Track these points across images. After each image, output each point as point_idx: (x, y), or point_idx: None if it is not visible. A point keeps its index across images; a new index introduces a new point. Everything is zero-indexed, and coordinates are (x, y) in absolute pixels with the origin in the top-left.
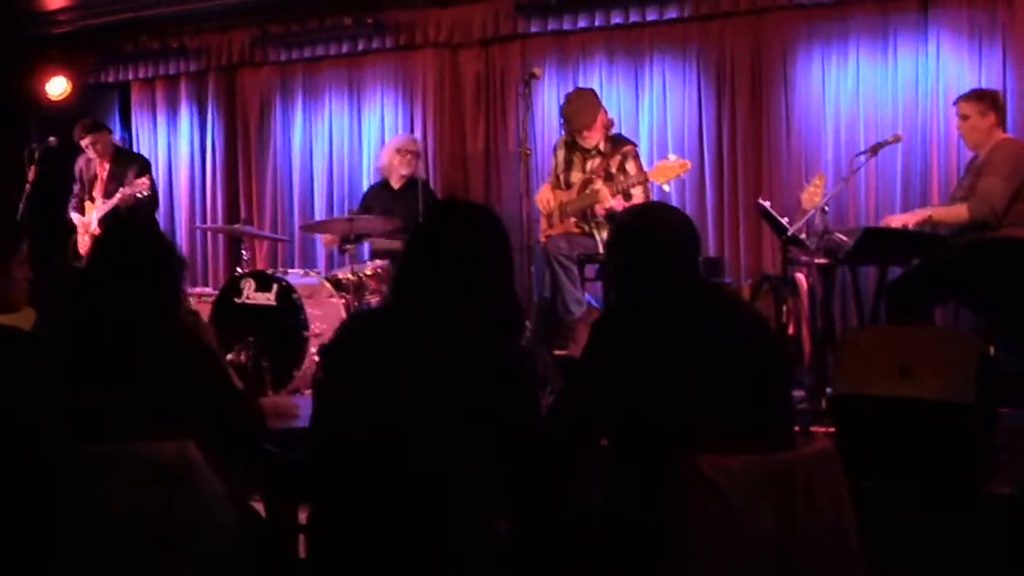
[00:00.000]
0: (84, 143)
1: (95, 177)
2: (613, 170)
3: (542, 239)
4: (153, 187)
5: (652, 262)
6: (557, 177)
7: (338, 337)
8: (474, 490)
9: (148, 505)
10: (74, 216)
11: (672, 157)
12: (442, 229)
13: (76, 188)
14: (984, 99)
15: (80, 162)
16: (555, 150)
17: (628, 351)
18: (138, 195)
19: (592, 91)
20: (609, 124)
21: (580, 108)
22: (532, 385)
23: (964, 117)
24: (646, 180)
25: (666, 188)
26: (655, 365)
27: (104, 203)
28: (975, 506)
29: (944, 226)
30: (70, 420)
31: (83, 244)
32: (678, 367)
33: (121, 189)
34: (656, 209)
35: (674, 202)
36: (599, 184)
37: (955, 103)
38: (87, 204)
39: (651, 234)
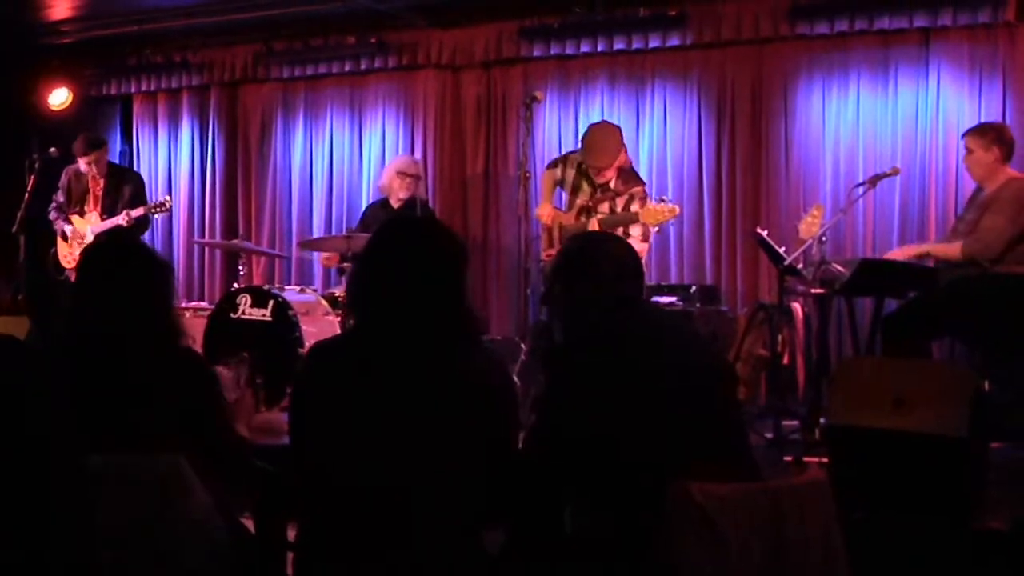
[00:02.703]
0: (85, 160)
1: (86, 191)
2: (619, 208)
3: (544, 257)
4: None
5: (602, 288)
6: (559, 183)
7: (308, 369)
8: (458, 505)
9: (137, 518)
10: (64, 227)
11: (665, 200)
12: (385, 249)
13: (59, 198)
14: (988, 133)
15: (68, 172)
16: (566, 161)
17: (590, 382)
18: (153, 211)
19: (616, 129)
20: (626, 163)
21: (603, 147)
22: (504, 390)
23: (970, 151)
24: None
25: (656, 231)
26: (615, 394)
27: (104, 219)
28: (967, 540)
29: (938, 261)
30: (64, 431)
31: (69, 257)
32: (636, 396)
33: (127, 211)
34: (601, 237)
35: (672, 229)
36: (597, 216)
37: (962, 137)
38: (75, 217)
39: (600, 260)
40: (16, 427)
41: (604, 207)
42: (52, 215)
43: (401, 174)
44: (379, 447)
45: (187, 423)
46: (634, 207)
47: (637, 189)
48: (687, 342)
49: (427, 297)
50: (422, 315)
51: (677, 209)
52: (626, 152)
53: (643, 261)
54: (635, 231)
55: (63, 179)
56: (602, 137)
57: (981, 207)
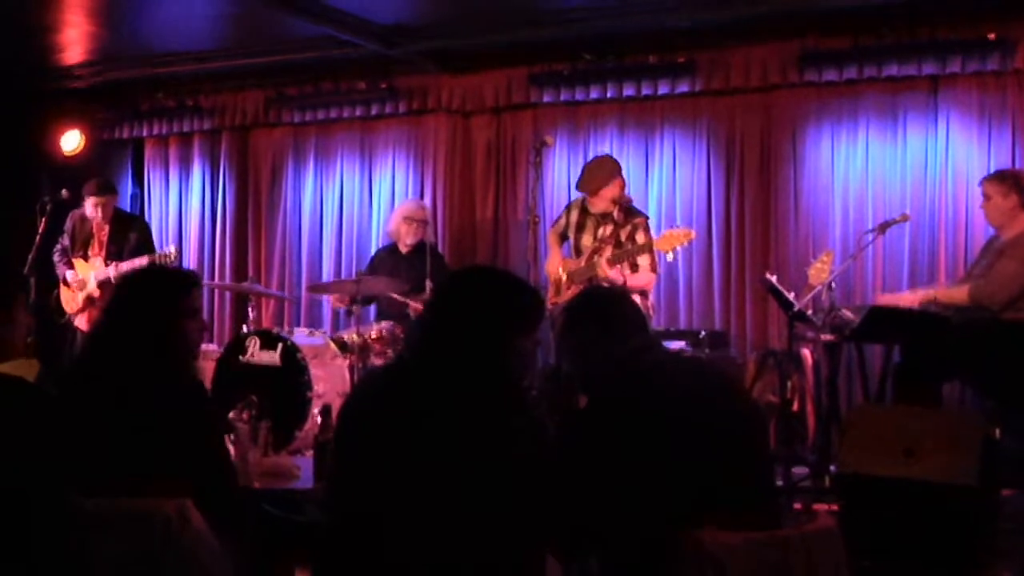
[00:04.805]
0: (92, 202)
1: (90, 236)
2: (623, 239)
3: (549, 305)
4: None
5: (618, 331)
6: (564, 235)
7: (350, 399)
8: (479, 556)
9: (143, 562)
10: (66, 272)
11: (678, 226)
12: (445, 294)
13: (64, 241)
14: (1007, 180)
15: (74, 217)
16: (568, 208)
17: (616, 443)
18: (159, 260)
19: (611, 161)
20: (623, 199)
21: (590, 174)
22: (541, 459)
23: (987, 197)
24: (652, 248)
25: (670, 257)
26: (643, 450)
27: (107, 266)
28: None
29: (945, 306)
30: (70, 473)
31: (71, 301)
32: (665, 447)
33: (115, 263)
34: (603, 289)
35: (681, 274)
36: (606, 253)
37: (980, 183)
38: (79, 262)
39: (611, 307)
40: (19, 467)
41: (611, 240)
42: (56, 258)
43: (408, 219)
44: (398, 493)
45: (190, 458)
46: (639, 237)
47: (639, 220)
48: (710, 392)
49: (469, 350)
50: (462, 367)
51: (693, 233)
52: (623, 188)
53: (651, 294)
54: (643, 261)
55: (68, 223)
56: (595, 165)
57: (997, 253)
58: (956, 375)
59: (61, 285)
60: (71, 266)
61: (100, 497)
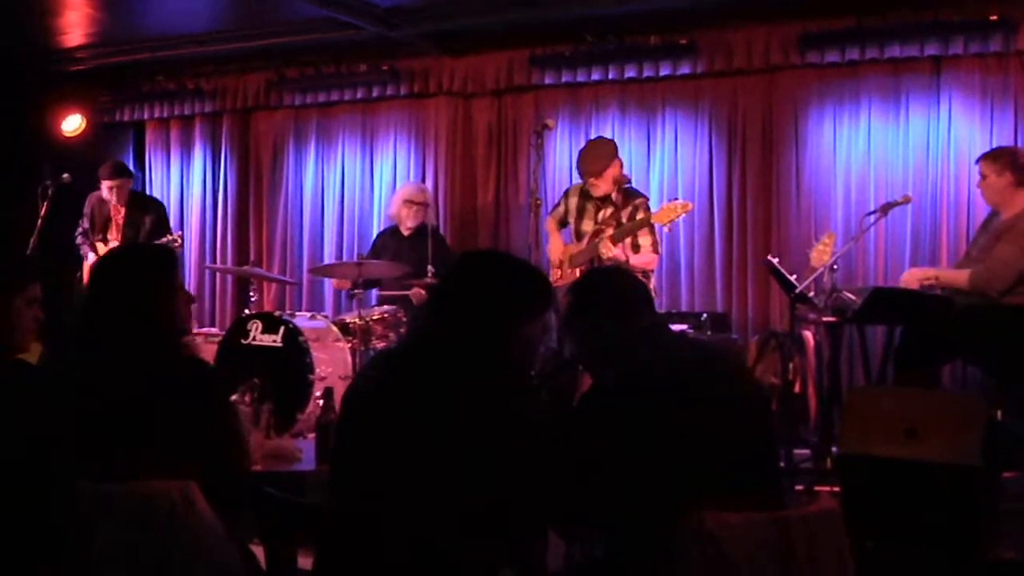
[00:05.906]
0: (107, 185)
1: (108, 219)
2: (624, 221)
3: None
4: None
5: (622, 312)
6: (563, 222)
7: (355, 383)
8: (479, 541)
9: (147, 545)
10: (89, 254)
11: (676, 199)
12: (448, 280)
13: (85, 224)
14: (1001, 158)
15: (92, 200)
16: (567, 194)
17: (621, 426)
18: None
19: (609, 142)
20: (623, 179)
21: (592, 156)
22: (541, 444)
23: (983, 176)
24: (650, 223)
25: (667, 229)
26: (647, 433)
27: None
28: (979, 570)
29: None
30: (72, 456)
31: None
32: (670, 430)
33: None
34: (605, 269)
35: (683, 256)
36: (608, 234)
37: (976, 162)
38: (99, 244)
39: (613, 288)
40: (18, 448)
41: (612, 223)
42: (78, 240)
43: (408, 202)
44: (400, 477)
45: (197, 448)
46: (640, 216)
47: (639, 200)
48: (715, 374)
49: (474, 334)
50: (467, 352)
51: (690, 204)
52: (622, 168)
53: (654, 274)
54: (645, 240)
55: (87, 207)
56: (593, 147)
57: (996, 234)
58: (958, 357)
59: (85, 266)
60: (93, 248)
61: (103, 481)
